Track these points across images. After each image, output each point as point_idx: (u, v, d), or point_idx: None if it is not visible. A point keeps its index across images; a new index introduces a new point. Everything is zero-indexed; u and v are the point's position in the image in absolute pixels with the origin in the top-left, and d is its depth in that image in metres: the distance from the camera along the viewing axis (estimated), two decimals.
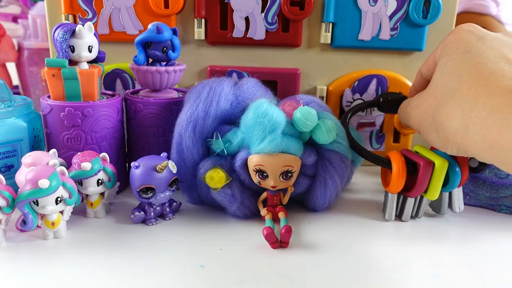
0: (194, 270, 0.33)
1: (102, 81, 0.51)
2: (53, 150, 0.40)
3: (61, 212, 0.37)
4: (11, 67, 0.77)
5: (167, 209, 0.41)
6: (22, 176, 0.36)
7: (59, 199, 0.35)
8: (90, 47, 0.42)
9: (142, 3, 0.50)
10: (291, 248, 0.36)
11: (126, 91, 0.49)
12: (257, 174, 0.38)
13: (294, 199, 0.42)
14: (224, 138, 0.39)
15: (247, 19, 0.50)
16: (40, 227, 0.36)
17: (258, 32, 0.51)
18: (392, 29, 0.51)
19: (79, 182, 0.39)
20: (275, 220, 0.39)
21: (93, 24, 0.49)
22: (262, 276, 0.32)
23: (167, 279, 0.32)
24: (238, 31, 0.51)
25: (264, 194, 0.40)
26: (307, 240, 0.38)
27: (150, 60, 0.45)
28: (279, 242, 0.36)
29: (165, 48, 0.44)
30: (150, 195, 0.38)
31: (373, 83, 0.52)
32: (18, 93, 0.78)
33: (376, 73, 0.52)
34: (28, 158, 0.38)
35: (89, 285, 0.31)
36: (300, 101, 0.39)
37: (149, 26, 0.44)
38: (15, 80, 0.79)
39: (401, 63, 0.53)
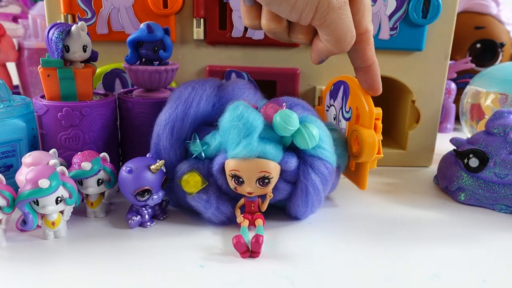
0: (194, 270, 0.33)
1: (102, 81, 0.52)
2: (53, 150, 0.40)
3: (61, 212, 0.37)
4: (11, 67, 0.77)
5: (158, 209, 0.41)
6: (22, 176, 0.36)
7: (59, 199, 0.35)
8: (85, 47, 0.42)
9: (141, 3, 0.50)
10: (291, 248, 0.36)
11: (120, 90, 0.49)
12: (233, 179, 0.37)
13: (276, 205, 0.41)
14: (203, 141, 0.38)
15: None
16: (40, 227, 0.36)
17: (257, 31, 0.51)
18: (392, 29, 0.51)
19: (79, 182, 0.39)
20: (252, 228, 0.38)
21: (92, 24, 0.50)
22: (262, 276, 0.32)
23: (167, 279, 0.32)
24: (237, 31, 0.51)
25: (242, 201, 0.39)
26: (307, 240, 0.38)
27: (144, 60, 0.45)
28: (249, 251, 0.35)
29: (156, 48, 0.44)
30: (146, 197, 0.38)
31: (341, 90, 0.47)
32: (18, 93, 0.78)
33: (343, 80, 0.46)
34: (28, 158, 0.38)
35: (89, 285, 0.31)
36: (283, 104, 0.37)
37: (141, 25, 0.44)
38: (15, 80, 0.79)
39: (400, 63, 0.53)
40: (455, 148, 0.48)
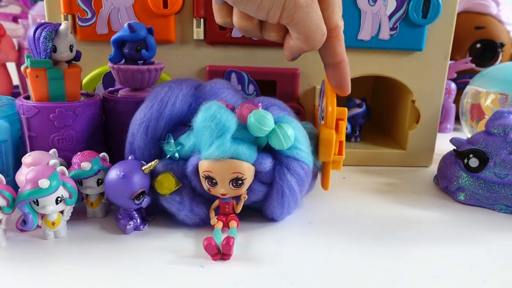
0: (194, 270, 0.33)
1: (102, 81, 0.52)
2: (53, 150, 0.40)
3: (61, 212, 0.37)
4: (11, 67, 0.77)
5: (144, 211, 0.40)
6: (22, 176, 0.36)
7: (59, 199, 0.35)
8: (71, 46, 0.42)
9: (141, 3, 0.50)
10: (291, 248, 0.36)
11: (106, 90, 0.49)
12: (206, 180, 0.36)
13: (252, 207, 0.40)
14: (177, 141, 0.38)
15: None
16: (40, 227, 0.36)
17: None
18: (392, 29, 0.51)
19: (79, 182, 0.39)
20: (227, 230, 0.38)
21: (92, 24, 0.50)
22: (262, 276, 0.32)
23: (167, 279, 0.32)
24: (237, 31, 0.51)
25: (216, 202, 0.38)
26: (307, 240, 0.38)
27: (129, 59, 0.45)
28: (221, 253, 0.34)
29: (139, 47, 0.44)
30: (141, 199, 0.37)
31: (323, 89, 0.46)
32: (18, 93, 0.78)
33: (324, 79, 0.45)
34: (28, 158, 0.38)
35: (89, 285, 0.31)
36: (259, 104, 0.37)
37: (125, 25, 0.44)
38: (15, 80, 0.79)
39: (401, 63, 0.53)
40: (455, 148, 0.48)
